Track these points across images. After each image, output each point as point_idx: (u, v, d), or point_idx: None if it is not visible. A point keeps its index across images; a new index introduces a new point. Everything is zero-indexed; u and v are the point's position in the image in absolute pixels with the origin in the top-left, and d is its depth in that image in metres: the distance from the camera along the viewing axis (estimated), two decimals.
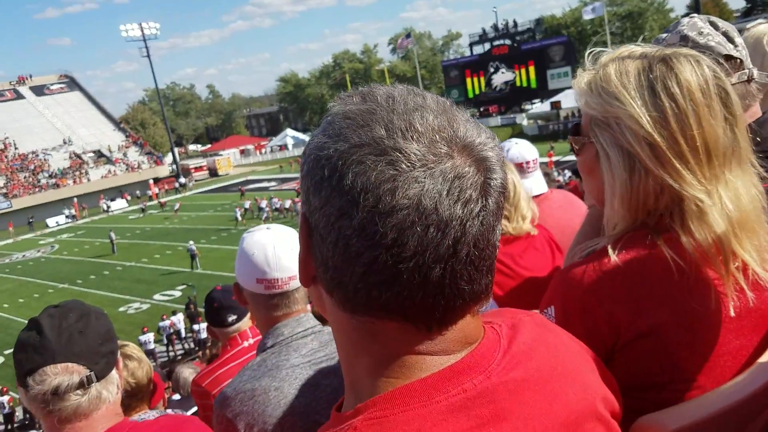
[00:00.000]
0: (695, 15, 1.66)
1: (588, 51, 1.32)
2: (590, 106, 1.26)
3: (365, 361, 0.79)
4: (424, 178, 0.70)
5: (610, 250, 1.20)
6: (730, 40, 1.60)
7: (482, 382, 0.76)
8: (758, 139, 1.29)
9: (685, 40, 1.59)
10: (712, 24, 1.62)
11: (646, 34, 77.02)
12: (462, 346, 0.78)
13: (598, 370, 0.93)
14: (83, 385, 1.53)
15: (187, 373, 5.25)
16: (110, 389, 1.60)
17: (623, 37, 76.06)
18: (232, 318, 3.22)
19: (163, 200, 57.58)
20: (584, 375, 0.89)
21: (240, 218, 40.94)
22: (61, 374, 1.52)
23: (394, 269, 0.71)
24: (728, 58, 1.56)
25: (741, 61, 1.59)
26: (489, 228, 0.74)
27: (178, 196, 63.67)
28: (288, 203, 40.78)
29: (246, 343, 3.17)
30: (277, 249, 1.81)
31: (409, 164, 0.70)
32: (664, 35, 1.67)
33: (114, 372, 1.64)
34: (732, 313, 1.15)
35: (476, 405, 0.74)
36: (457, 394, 0.74)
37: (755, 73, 1.61)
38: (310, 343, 1.77)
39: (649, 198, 1.20)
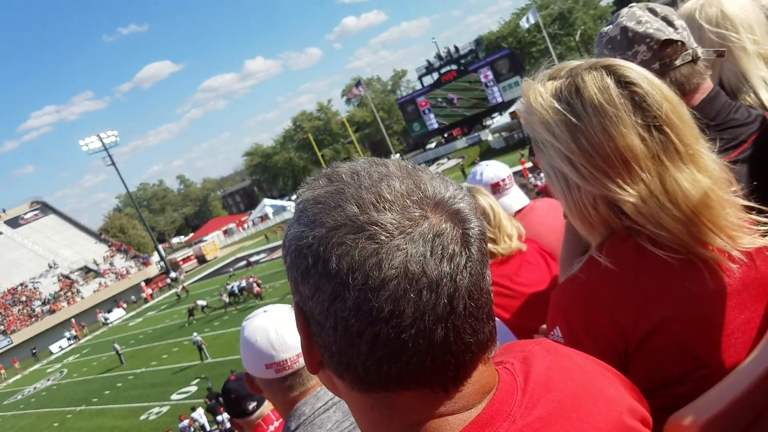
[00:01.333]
0: (635, 4, 1.68)
1: (525, 77, 1.36)
2: (526, 129, 1.33)
3: None
4: (405, 244, 0.70)
5: (596, 257, 1.22)
6: (670, 23, 1.61)
7: (508, 429, 0.76)
8: (709, 119, 1.32)
9: (624, 30, 1.61)
10: (651, 11, 1.63)
11: (581, 28, 79.02)
12: (481, 397, 0.78)
13: (618, 381, 0.94)
14: None
15: None
16: None
17: (560, 38, 77.77)
18: (252, 405, 3.18)
19: (184, 285, 55.93)
20: (606, 391, 0.88)
21: (228, 300, 40.66)
22: None
23: (397, 340, 0.70)
24: (668, 42, 1.58)
25: (682, 43, 1.60)
26: (479, 276, 0.75)
27: (172, 291, 63.21)
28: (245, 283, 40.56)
29: (272, 427, 3.14)
30: (279, 330, 1.81)
31: (388, 234, 0.70)
32: (606, 28, 1.70)
33: None
34: (729, 290, 1.17)
35: None
36: None
37: (699, 51, 1.63)
38: (333, 416, 1.76)
39: (589, 210, 1.26)
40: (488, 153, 59.62)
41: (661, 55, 1.58)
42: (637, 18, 1.62)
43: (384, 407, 0.76)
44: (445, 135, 75.76)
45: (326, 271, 0.72)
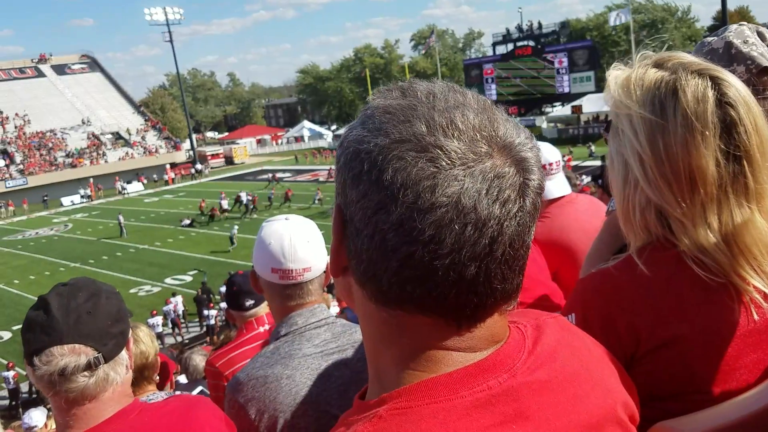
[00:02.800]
0: (745, 23, 1.63)
1: (640, 51, 1.30)
2: (610, 104, 1.28)
3: (393, 353, 0.79)
4: (464, 176, 0.70)
5: (636, 259, 1.20)
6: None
7: (507, 381, 0.76)
8: None
9: (729, 46, 1.57)
10: (760, 34, 1.59)
11: (668, 43, 76.54)
12: (488, 344, 0.79)
13: (620, 375, 0.94)
14: (90, 366, 1.50)
15: (198, 359, 5.27)
16: (119, 370, 1.57)
17: (645, 46, 75.45)
18: (249, 303, 3.28)
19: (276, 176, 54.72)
20: (606, 379, 0.89)
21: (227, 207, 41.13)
22: (68, 355, 1.49)
23: (429, 266, 0.71)
24: (767, 71, 1.53)
25: None
26: (525, 228, 0.75)
27: (194, 182, 64.02)
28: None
29: (261, 329, 3.22)
30: (293, 240, 1.82)
31: (449, 162, 0.70)
32: (711, 39, 1.65)
33: (124, 353, 1.61)
34: (750, 327, 1.15)
35: (500, 402, 0.75)
36: (482, 391, 0.75)
37: None
38: (323, 334, 1.78)
39: (637, 211, 1.23)
40: (538, 139, 57.06)
41: (757, 82, 1.52)
42: (744, 37, 1.57)
43: (395, 324, 0.77)
44: None
45: (379, 180, 0.72)
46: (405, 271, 0.72)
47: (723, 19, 36.96)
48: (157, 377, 2.87)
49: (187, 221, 40.13)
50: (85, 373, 1.50)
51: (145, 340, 2.73)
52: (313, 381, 1.67)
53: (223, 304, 21.91)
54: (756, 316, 1.15)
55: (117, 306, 1.63)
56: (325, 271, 1.89)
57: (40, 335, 1.50)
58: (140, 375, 2.68)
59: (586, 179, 26.74)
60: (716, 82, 1.17)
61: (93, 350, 1.51)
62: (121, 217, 40.44)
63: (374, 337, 0.82)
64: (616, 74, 1.28)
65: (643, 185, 1.21)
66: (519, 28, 73.28)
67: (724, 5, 35.02)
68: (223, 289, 23.42)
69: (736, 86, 1.18)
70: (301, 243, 1.83)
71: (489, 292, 0.75)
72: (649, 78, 1.22)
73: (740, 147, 1.15)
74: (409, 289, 0.73)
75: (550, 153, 3.45)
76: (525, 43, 71.27)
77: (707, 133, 1.14)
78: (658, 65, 1.24)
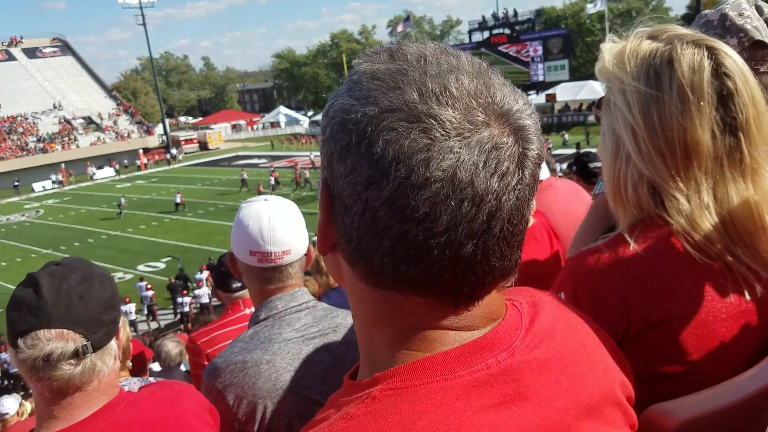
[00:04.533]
0: None
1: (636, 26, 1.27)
2: (603, 78, 1.25)
3: (385, 333, 0.76)
4: (460, 148, 0.66)
5: (627, 237, 1.17)
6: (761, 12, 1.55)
7: (506, 359, 0.73)
8: None
9: (724, 18, 1.55)
10: (758, 8, 1.58)
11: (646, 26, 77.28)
12: (486, 322, 0.76)
13: (615, 354, 0.92)
14: (78, 354, 1.40)
15: (170, 345, 5.21)
16: (107, 361, 1.47)
17: (620, 35, 76.31)
18: (236, 285, 3.29)
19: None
20: (604, 358, 0.87)
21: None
22: (55, 340, 1.38)
23: (424, 244, 0.67)
24: (761, 44, 1.51)
25: None
26: (524, 201, 0.71)
27: (168, 167, 63.34)
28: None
29: (248, 310, 3.22)
30: (272, 222, 1.77)
31: (444, 132, 0.65)
32: (708, 11, 1.63)
33: (113, 342, 1.51)
34: (743, 307, 1.14)
35: (499, 382, 0.72)
36: (480, 370, 0.72)
37: None
38: (303, 318, 1.74)
39: (629, 187, 1.21)
40: None
41: (749, 55, 1.50)
42: (740, 9, 1.55)
43: (388, 305, 0.74)
44: None
45: (369, 153, 0.67)
46: (398, 251, 0.68)
47: (697, 8, 37.37)
48: (130, 363, 2.82)
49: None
50: (72, 361, 1.40)
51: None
52: (294, 366, 1.63)
53: (198, 291, 22.00)
54: (748, 296, 1.14)
55: (110, 292, 1.53)
56: (306, 254, 1.85)
57: (26, 316, 1.40)
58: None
59: (560, 167, 26.96)
60: (713, 53, 1.15)
61: (82, 337, 1.41)
62: (122, 199, 40.41)
63: (366, 317, 0.78)
64: (609, 46, 1.26)
65: (635, 159, 1.18)
66: (495, 16, 73.47)
67: None
68: (199, 275, 23.43)
69: (732, 57, 1.16)
70: (280, 224, 1.77)
71: (487, 270, 0.71)
72: (644, 49, 1.19)
73: (737, 119, 1.13)
74: (403, 269, 0.69)
75: None
76: (501, 30, 71.48)
77: (702, 103, 1.12)
78: (653, 37, 1.22)
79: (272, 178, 40.35)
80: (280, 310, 1.74)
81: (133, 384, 2.43)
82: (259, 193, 38.10)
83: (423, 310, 0.73)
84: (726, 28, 1.54)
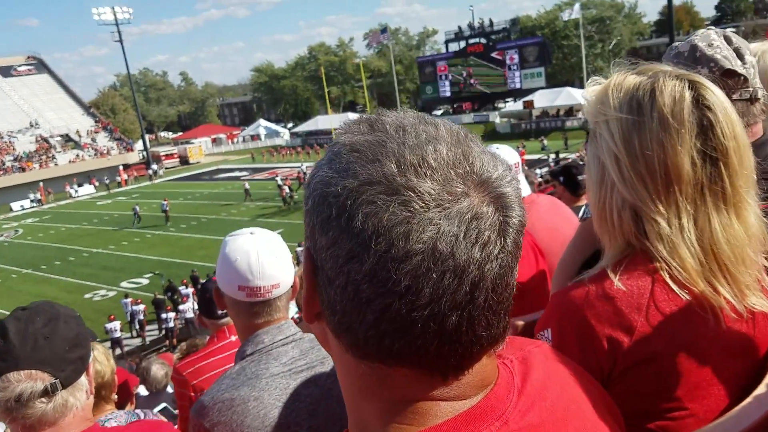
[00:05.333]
0: (713, 27, 1.67)
1: (615, 64, 1.32)
2: (589, 115, 1.29)
3: (375, 406, 0.74)
4: (440, 219, 0.65)
5: (611, 274, 1.19)
6: (740, 56, 1.59)
7: (499, 429, 0.72)
8: (758, 160, 1.30)
9: (694, 48, 1.60)
10: (726, 38, 1.62)
11: (617, 38, 79.11)
12: (478, 389, 0.74)
13: (606, 404, 0.92)
14: (47, 392, 1.49)
15: (156, 368, 5.18)
16: (78, 396, 1.56)
17: (593, 40, 77.59)
18: (222, 312, 3.23)
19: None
20: (596, 411, 0.87)
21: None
22: (24, 381, 1.47)
23: (407, 318, 0.66)
24: (731, 73, 1.55)
25: (745, 78, 1.58)
26: (508, 269, 0.70)
27: (149, 183, 62.91)
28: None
29: (233, 338, 3.18)
30: (260, 256, 1.77)
31: (423, 204, 0.65)
32: (678, 43, 1.68)
33: (83, 378, 1.59)
34: (725, 339, 1.16)
35: None
36: None
37: (760, 93, 1.60)
38: (290, 351, 1.75)
39: (614, 214, 1.23)
40: (492, 134, 59.56)
41: (721, 84, 1.55)
42: (709, 40, 1.60)
43: (375, 377, 0.72)
44: (454, 106, 75.51)
45: (349, 227, 0.67)
46: (382, 324, 0.67)
47: (669, 14, 37.99)
48: (116, 396, 2.80)
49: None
50: (43, 399, 1.49)
51: (100, 359, 2.65)
52: (282, 401, 1.63)
53: (183, 306, 21.78)
54: (727, 327, 1.16)
55: (76, 330, 1.61)
56: (292, 286, 1.86)
57: None
58: (97, 395, 2.61)
59: (539, 171, 27.13)
60: (694, 86, 1.19)
61: (50, 376, 1.50)
62: (137, 207, 40.80)
63: (354, 389, 0.77)
64: (593, 88, 1.29)
65: (618, 185, 1.21)
66: (470, 26, 74.30)
67: (669, 0, 35.94)
68: (183, 290, 23.20)
69: (713, 91, 1.19)
70: (268, 259, 1.77)
71: (474, 340, 0.70)
72: (627, 83, 1.23)
73: (717, 149, 1.16)
74: (388, 343, 0.68)
75: (509, 156, 3.47)
76: (477, 40, 72.29)
77: (683, 131, 1.15)
78: (637, 73, 1.25)
79: (286, 187, 40.13)
80: (267, 344, 1.74)
81: (120, 417, 2.43)
82: (282, 198, 38.86)
83: (411, 383, 0.71)
84: (696, 59, 1.58)
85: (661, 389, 1.16)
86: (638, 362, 1.15)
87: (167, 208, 39.84)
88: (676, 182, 1.16)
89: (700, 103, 1.17)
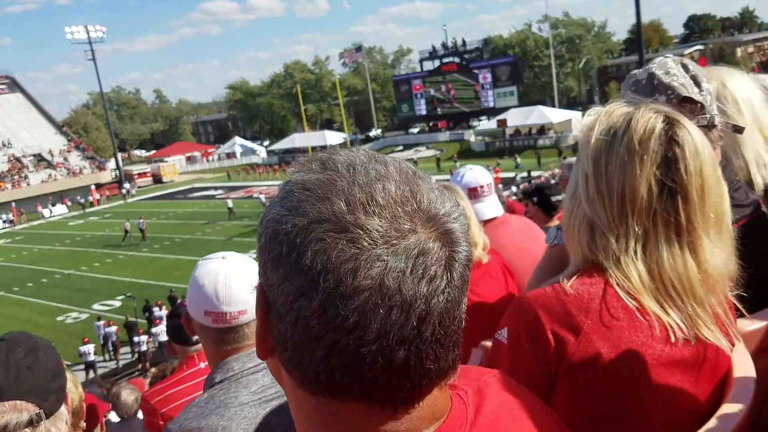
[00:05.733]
0: (670, 55, 1.71)
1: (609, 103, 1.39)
2: (579, 138, 1.37)
3: None
4: (387, 255, 0.67)
5: (563, 280, 1.26)
6: (697, 84, 1.63)
7: None
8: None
9: (651, 77, 1.63)
10: (684, 66, 1.66)
11: (586, 57, 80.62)
12: (429, 423, 0.75)
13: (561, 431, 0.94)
14: (32, 423, 1.45)
15: (126, 393, 5.08)
16: (59, 426, 1.53)
17: (564, 59, 79.10)
18: (194, 337, 3.13)
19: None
20: None
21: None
22: (10, 412, 1.44)
23: (356, 353, 0.67)
24: (688, 100, 1.59)
25: (702, 105, 1.61)
26: (455, 303, 0.72)
27: (122, 202, 62.26)
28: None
29: (203, 365, 3.09)
30: (229, 281, 1.74)
31: (371, 242, 0.67)
32: (636, 71, 1.71)
33: (63, 408, 1.57)
34: (671, 354, 1.20)
35: None
36: None
37: (717, 119, 1.64)
38: (261, 379, 1.71)
39: (576, 227, 1.31)
40: (467, 153, 60.18)
41: (681, 111, 1.59)
42: (666, 68, 1.64)
43: (327, 412, 0.74)
44: (430, 124, 76.28)
45: (298, 264, 0.68)
46: (331, 360, 0.69)
47: (638, 32, 38.79)
48: (84, 424, 2.73)
49: None
50: (27, 429, 1.45)
51: (68, 386, 2.59)
52: (251, 431, 1.60)
53: (155, 329, 21.44)
54: (675, 340, 1.20)
55: (55, 360, 1.59)
56: None
57: None
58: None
59: (514, 189, 27.44)
60: (669, 121, 1.25)
61: (34, 406, 1.47)
62: (128, 224, 40.40)
63: (307, 423, 0.78)
64: (589, 116, 1.36)
65: (582, 200, 1.29)
66: (444, 46, 75.29)
67: (638, 19, 36.75)
68: (157, 312, 22.84)
69: (689, 130, 1.25)
70: (237, 283, 1.74)
71: (422, 373, 0.71)
72: (615, 112, 1.31)
73: (677, 182, 1.21)
74: (338, 378, 0.69)
75: (481, 176, 3.51)
76: (451, 59, 73.29)
77: (646, 157, 1.21)
78: (627, 104, 1.32)
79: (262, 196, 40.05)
80: (236, 372, 1.71)
81: None
82: None
83: (362, 417, 0.72)
84: (654, 87, 1.62)
85: (603, 393, 1.20)
86: (583, 363, 1.20)
87: (144, 227, 39.59)
88: (630, 204, 1.23)
89: (670, 137, 1.23)
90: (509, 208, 6.60)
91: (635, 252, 1.22)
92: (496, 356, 1.34)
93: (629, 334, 1.19)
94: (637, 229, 1.22)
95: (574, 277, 1.26)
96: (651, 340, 1.19)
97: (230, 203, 43.45)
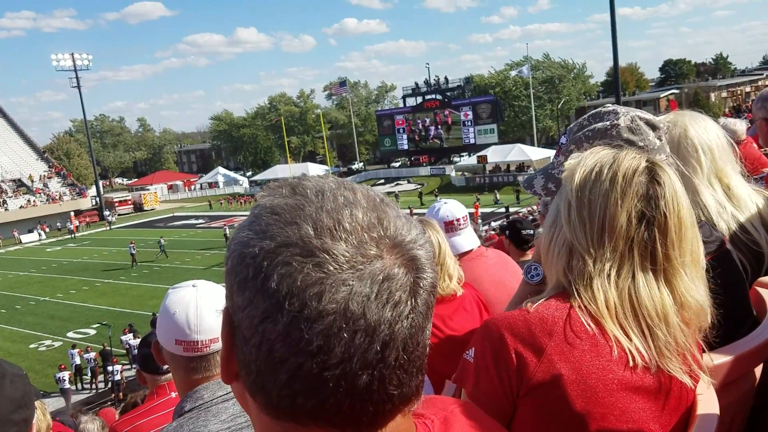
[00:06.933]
0: (616, 105, 1.78)
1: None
2: (565, 172, 1.41)
3: None
4: (353, 280, 0.67)
5: (528, 304, 1.30)
6: (654, 128, 1.69)
7: None
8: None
9: (614, 126, 1.68)
10: (638, 117, 1.71)
11: (565, 98, 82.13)
12: None
13: None
14: None
15: (84, 419, 4.95)
16: None
17: (542, 100, 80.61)
18: (165, 367, 3.08)
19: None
20: None
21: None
22: None
23: (319, 377, 0.67)
24: (628, 142, 1.65)
25: (644, 147, 1.66)
26: (419, 329, 0.72)
27: (100, 230, 61.64)
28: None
29: (174, 394, 3.01)
30: (200, 309, 1.74)
31: (336, 266, 0.67)
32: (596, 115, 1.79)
33: None
34: (632, 380, 1.22)
35: None
36: None
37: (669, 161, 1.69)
38: (231, 408, 1.69)
39: (555, 252, 1.36)
40: (447, 187, 60.62)
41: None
42: (612, 109, 1.74)
43: None
44: (412, 158, 76.87)
45: (264, 288, 0.68)
46: (294, 383, 0.68)
47: (615, 74, 39.63)
48: None
49: None
50: None
51: (36, 415, 2.55)
52: None
53: (117, 367, 20.97)
54: (634, 366, 1.22)
55: (22, 390, 1.53)
56: None
57: None
58: None
59: (494, 224, 27.56)
60: (654, 166, 1.32)
61: None
62: (162, 239, 41.48)
63: None
64: (571, 160, 1.42)
65: (564, 225, 1.34)
66: (427, 83, 76.44)
67: (615, 63, 37.67)
68: (130, 339, 22.41)
69: (669, 174, 1.32)
70: (208, 312, 1.74)
71: (385, 398, 0.71)
72: (603, 152, 1.38)
73: (656, 216, 1.27)
74: (300, 402, 0.69)
75: (456, 209, 3.53)
76: (433, 96, 74.37)
77: (628, 189, 1.28)
78: (615, 148, 1.41)
79: None
80: (207, 401, 1.70)
81: None
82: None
83: None
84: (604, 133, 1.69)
85: (564, 415, 1.22)
86: (544, 384, 1.22)
87: (134, 251, 39.52)
88: (609, 231, 1.28)
89: (652, 176, 1.30)
90: (496, 245, 6.63)
91: (608, 276, 1.26)
92: (463, 375, 1.36)
93: (590, 357, 1.22)
94: (614, 253, 1.27)
95: (541, 300, 1.31)
96: (611, 364, 1.21)
97: (227, 230, 43.77)
